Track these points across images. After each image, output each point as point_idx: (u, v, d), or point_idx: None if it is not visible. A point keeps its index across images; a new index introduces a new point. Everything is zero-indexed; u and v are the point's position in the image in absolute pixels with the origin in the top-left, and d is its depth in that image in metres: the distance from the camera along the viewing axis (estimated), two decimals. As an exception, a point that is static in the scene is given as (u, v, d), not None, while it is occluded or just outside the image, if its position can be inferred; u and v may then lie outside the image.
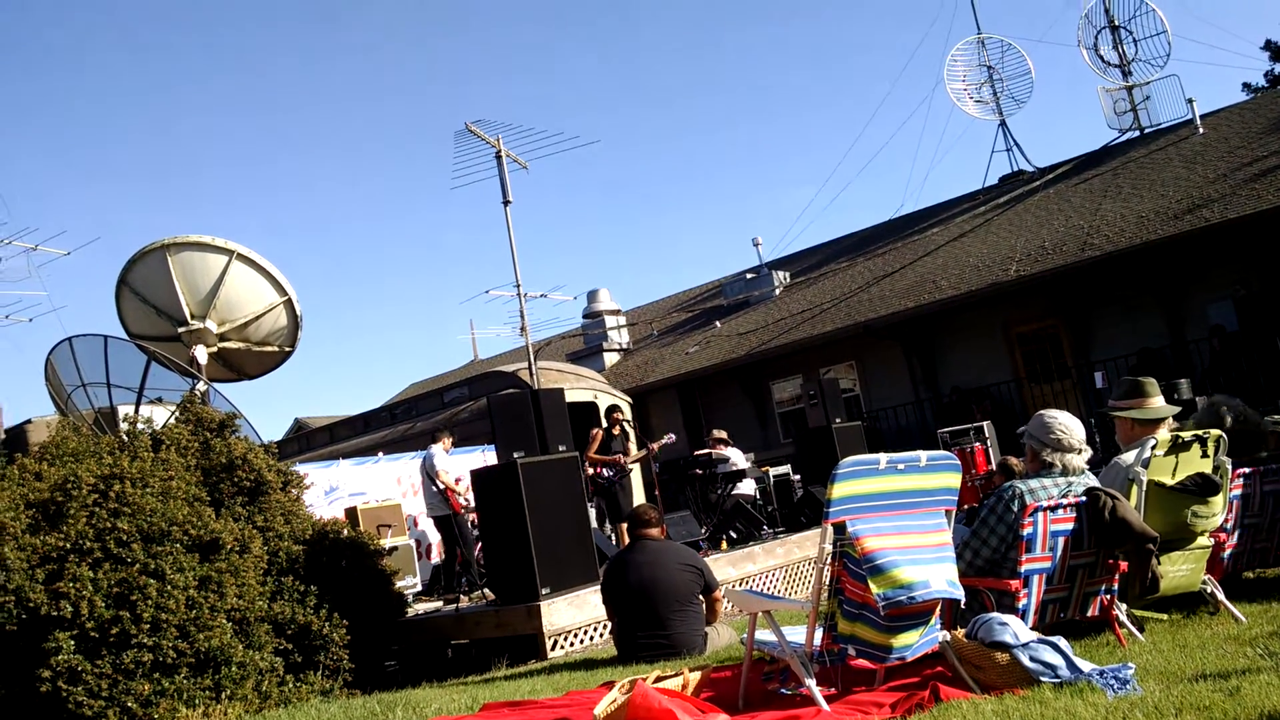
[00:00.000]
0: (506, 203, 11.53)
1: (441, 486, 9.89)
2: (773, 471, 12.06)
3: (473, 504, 8.92)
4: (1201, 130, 17.89)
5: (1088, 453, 4.15)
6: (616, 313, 24.81)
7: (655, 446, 11.11)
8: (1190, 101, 18.65)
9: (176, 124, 72.21)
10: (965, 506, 6.66)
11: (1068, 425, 4.13)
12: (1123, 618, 4.03)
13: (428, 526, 12.20)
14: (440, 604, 9.24)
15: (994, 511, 4.03)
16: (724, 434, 12.00)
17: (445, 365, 42.54)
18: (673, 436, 11.51)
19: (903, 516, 3.44)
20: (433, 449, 10.28)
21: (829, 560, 3.44)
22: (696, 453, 11.55)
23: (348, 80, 73.12)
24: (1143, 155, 18.29)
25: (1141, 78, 19.98)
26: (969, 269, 17.22)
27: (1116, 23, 20.40)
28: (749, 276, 23.05)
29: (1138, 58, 20.23)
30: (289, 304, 11.79)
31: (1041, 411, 4.24)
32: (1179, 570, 4.22)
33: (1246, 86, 29.54)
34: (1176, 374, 12.47)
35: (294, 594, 6.74)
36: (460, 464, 10.90)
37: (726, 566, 8.47)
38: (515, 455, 7.25)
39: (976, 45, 21.79)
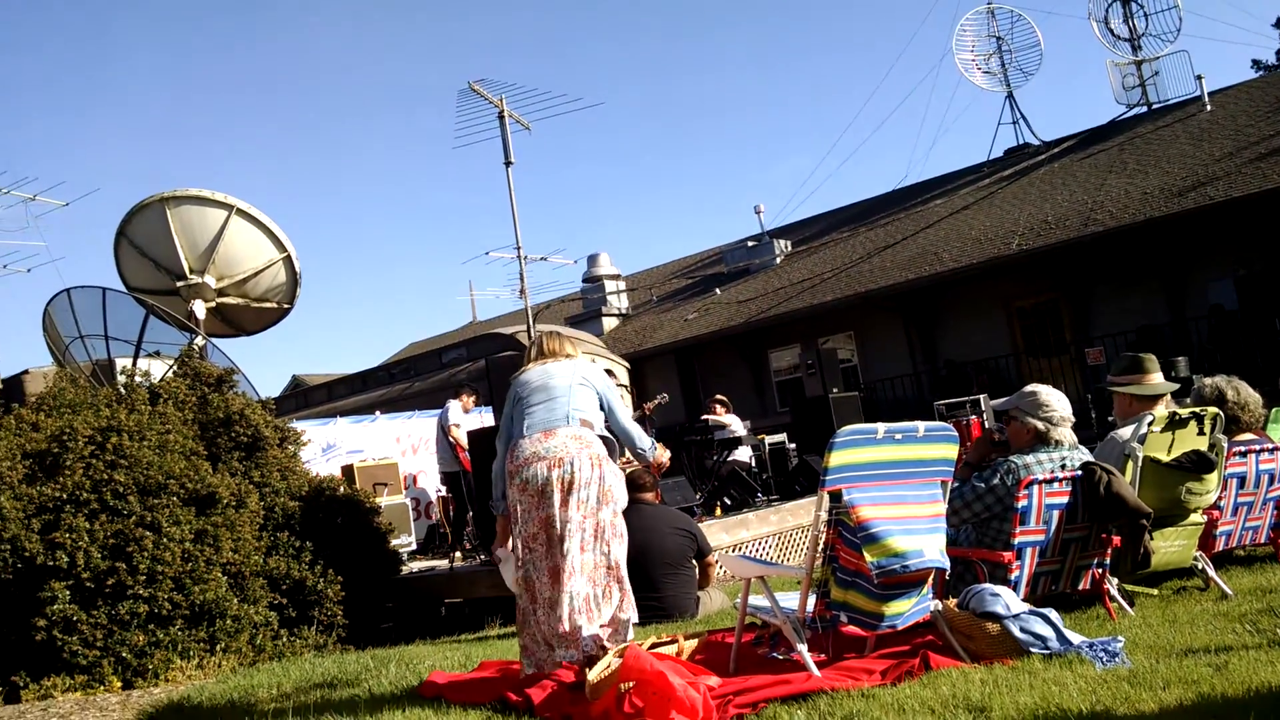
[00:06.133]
0: (508, 164, 11.44)
1: (453, 441, 9.94)
2: (768, 440, 12.05)
3: None
4: (1209, 107, 17.74)
5: (1072, 421, 4.22)
6: (616, 277, 24.70)
7: (649, 407, 11.13)
8: (1199, 78, 18.47)
9: (181, 79, 71.59)
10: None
11: (1059, 398, 4.21)
12: (1114, 592, 4.06)
13: (427, 485, 12.24)
14: (435, 563, 9.29)
15: (985, 481, 4.04)
16: (725, 400, 12.01)
17: (444, 326, 42.55)
18: (665, 397, 11.54)
19: (899, 486, 3.45)
20: (450, 404, 10.35)
21: (824, 527, 3.45)
22: (703, 416, 11.56)
23: (350, 38, 72.39)
24: (1149, 131, 18.16)
25: (1151, 52, 19.79)
26: (971, 241, 17.15)
27: (1128, -5, 20.17)
28: (750, 244, 22.94)
29: (1148, 32, 20.03)
30: (288, 260, 11.71)
31: (1028, 388, 4.26)
32: (1171, 546, 4.25)
33: (1256, 64, 29.34)
34: (1175, 351, 12.46)
35: (289, 549, 6.77)
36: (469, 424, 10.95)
37: (720, 532, 8.50)
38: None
39: (986, 15, 21.56)
